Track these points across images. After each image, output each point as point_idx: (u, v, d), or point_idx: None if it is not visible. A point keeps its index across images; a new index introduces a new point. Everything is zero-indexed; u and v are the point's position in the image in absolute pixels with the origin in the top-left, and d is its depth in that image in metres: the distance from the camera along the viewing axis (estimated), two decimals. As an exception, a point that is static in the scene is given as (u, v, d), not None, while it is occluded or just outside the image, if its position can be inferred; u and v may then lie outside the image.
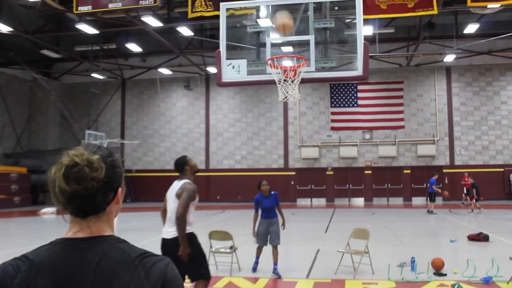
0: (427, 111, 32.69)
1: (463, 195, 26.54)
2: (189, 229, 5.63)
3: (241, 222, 19.07)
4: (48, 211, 24.45)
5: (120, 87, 36.27)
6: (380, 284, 8.11)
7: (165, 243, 5.72)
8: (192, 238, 5.68)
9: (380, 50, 26.42)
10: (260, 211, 8.93)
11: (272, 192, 8.89)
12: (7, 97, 33.23)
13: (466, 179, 26.16)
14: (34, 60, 32.32)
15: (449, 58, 29.56)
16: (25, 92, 35.34)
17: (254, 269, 9.07)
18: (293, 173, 33.01)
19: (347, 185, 32.89)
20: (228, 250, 9.15)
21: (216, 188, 33.63)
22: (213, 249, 9.19)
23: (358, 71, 7.47)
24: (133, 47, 28.83)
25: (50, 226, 19.56)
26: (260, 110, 34.31)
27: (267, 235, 8.84)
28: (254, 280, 8.44)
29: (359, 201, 32.50)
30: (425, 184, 24.17)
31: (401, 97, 32.92)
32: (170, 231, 5.66)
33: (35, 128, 35.63)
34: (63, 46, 30.62)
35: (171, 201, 5.71)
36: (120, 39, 29.87)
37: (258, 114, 34.33)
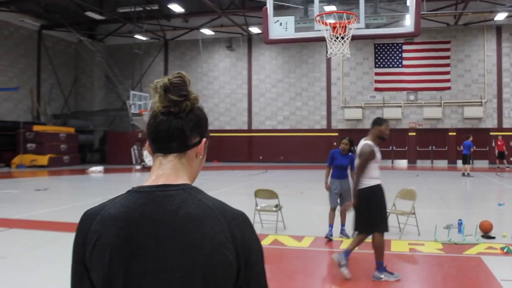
0: (475, 72, 31.65)
1: (497, 158, 26.48)
2: (373, 183, 6.24)
3: (284, 182, 19.20)
4: (96, 170, 25.21)
5: (163, 48, 36.50)
6: (426, 245, 8.04)
7: None
8: (372, 191, 6.21)
9: (427, 8, 25.55)
10: (331, 170, 8.69)
11: (350, 154, 8.58)
12: (54, 59, 34.00)
13: (499, 142, 25.88)
14: (79, 23, 32.71)
15: (501, 16, 28.30)
16: (71, 54, 36.06)
17: (330, 235, 8.54)
18: (336, 134, 32.68)
19: (391, 147, 32.48)
20: (274, 209, 9.23)
21: (258, 149, 33.80)
22: (258, 207, 9.31)
23: (410, 27, 7.27)
24: (175, 7, 28.81)
25: (99, 183, 20.20)
26: (302, 71, 33.96)
27: (338, 195, 8.64)
28: (299, 239, 8.52)
29: (402, 163, 32.12)
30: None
31: (447, 57, 31.93)
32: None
33: (81, 90, 36.43)
34: (107, 8, 30.84)
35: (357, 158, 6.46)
36: (162, 0, 29.85)
37: (301, 74, 34.00)
